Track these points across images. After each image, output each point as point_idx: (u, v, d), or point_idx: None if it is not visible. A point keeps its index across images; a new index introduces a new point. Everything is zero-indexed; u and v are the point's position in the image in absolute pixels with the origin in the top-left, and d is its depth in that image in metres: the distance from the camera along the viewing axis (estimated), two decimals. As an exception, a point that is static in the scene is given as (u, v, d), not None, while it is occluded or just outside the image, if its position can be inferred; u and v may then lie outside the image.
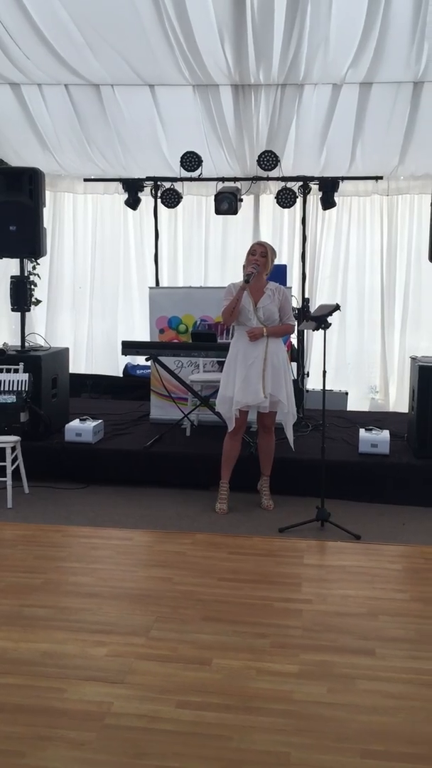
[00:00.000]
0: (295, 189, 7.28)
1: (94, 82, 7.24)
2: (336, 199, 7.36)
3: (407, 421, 6.17)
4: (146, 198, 7.83)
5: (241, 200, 7.37)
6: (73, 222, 9.08)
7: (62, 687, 2.95)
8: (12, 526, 4.90)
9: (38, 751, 2.56)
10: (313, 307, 6.93)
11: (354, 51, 6.25)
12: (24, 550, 4.49)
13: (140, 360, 8.28)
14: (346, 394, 7.88)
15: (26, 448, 5.55)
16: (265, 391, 4.90)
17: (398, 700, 2.89)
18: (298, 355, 6.94)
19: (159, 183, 7.52)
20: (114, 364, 9.00)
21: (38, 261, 8.31)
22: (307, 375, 7.45)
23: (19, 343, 6.34)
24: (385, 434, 5.76)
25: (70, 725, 2.70)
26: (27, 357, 5.99)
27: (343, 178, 7.35)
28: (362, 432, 5.79)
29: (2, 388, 5.66)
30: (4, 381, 5.69)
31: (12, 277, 6.36)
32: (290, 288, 6.68)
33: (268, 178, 7.36)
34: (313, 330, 5.15)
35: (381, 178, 7.61)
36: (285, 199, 7.32)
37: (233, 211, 7.22)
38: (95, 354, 9.15)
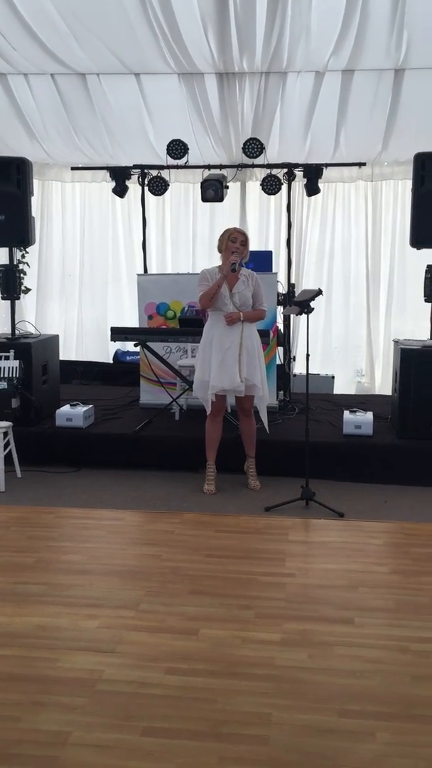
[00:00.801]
0: (280, 176, 7.37)
1: (80, 72, 7.31)
2: (320, 185, 7.46)
3: (390, 402, 6.32)
4: (134, 186, 7.91)
5: (227, 187, 7.45)
6: (62, 210, 9.17)
7: (55, 657, 3.09)
8: (5, 508, 5.02)
9: (33, 716, 2.70)
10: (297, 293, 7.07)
11: (335, 39, 6.35)
12: (17, 531, 4.62)
13: (130, 346, 8.39)
14: (333, 378, 8.03)
15: (18, 433, 5.67)
16: (241, 375, 5.04)
17: (374, 664, 3.05)
18: (284, 339, 7.07)
19: (146, 171, 7.60)
20: (104, 351, 9.12)
21: (27, 250, 8.39)
22: (294, 359, 7.58)
23: (9, 331, 6.45)
24: (369, 416, 5.91)
25: (63, 691, 2.84)
26: (17, 344, 6.10)
27: (328, 165, 7.43)
28: (346, 414, 5.94)
29: (-6, 375, 5.78)
30: (-4, 368, 5.81)
31: (1, 265, 6.46)
32: (276, 274, 6.80)
33: (253, 165, 7.45)
34: (297, 314, 5.27)
35: (365, 164, 7.71)
36: (270, 185, 7.41)
37: (219, 198, 7.32)
38: (85, 341, 9.27)
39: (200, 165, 7.57)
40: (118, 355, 8.89)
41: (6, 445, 5.49)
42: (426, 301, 6.03)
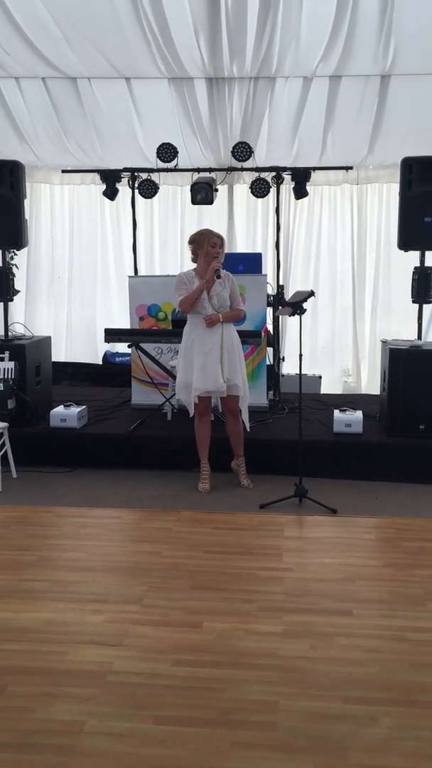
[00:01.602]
0: (269, 179, 7.48)
1: (71, 75, 7.37)
2: (308, 188, 7.58)
3: (379, 401, 6.46)
4: (123, 188, 7.98)
5: (217, 190, 7.55)
6: (51, 212, 9.21)
7: (64, 650, 3.18)
8: (3, 508, 5.08)
9: (47, 707, 2.78)
10: (287, 294, 7.19)
11: (324, 46, 6.48)
12: (16, 529, 4.69)
13: (120, 348, 8.48)
14: (320, 377, 8.17)
15: (13, 434, 5.73)
16: (224, 375, 5.14)
17: (373, 653, 3.17)
18: (273, 340, 7.18)
19: (136, 174, 7.67)
20: (93, 352, 9.17)
21: (16, 252, 8.43)
22: (283, 359, 7.70)
23: (1, 333, 6.49)
24: (358, 414, 6.03)
25: (75, 683, 2.93)
26: (12, 346, 6.16)
27: (315, 168, 7.55)
28: (336, 413, 6.06)
29: (-11, 376, 5.83)
30: (-9, 369, 5.87)
31: (-6, 267, 6.51)
32: (265, 275, 6.91)
33: (242, 169, 7.55)
34: (290, 315, 5.37)
35: (351, 168, 7.84)
36: (258, 189, 7.51)
37: (209, 201, 7.41)
38: (74, 342, 9.32)
39: (189, 168, 7.66)
40: (107, 357, 8.95)
41: (2, 446, 5.55)
42: (414, 302, 6.17)
